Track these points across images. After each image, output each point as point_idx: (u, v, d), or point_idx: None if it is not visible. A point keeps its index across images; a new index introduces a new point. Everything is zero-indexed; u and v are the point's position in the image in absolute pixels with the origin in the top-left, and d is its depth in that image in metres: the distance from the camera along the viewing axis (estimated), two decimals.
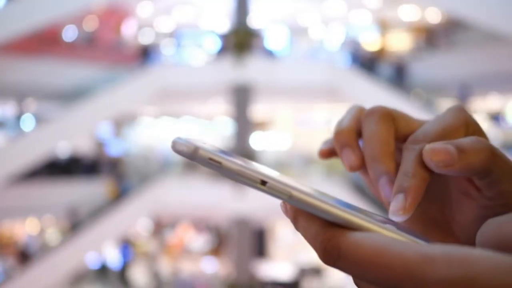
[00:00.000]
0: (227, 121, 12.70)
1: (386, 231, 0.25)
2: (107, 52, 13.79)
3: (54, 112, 10.77)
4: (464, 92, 10.21)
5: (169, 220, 14.24)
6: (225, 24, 13.20)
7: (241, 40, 10.34)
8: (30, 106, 12.44)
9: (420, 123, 0.36)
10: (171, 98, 11.57)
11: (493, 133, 10.15)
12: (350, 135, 0.36)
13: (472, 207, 0.31)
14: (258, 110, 11.92)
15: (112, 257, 12.59)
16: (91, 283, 12.28)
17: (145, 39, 16.21)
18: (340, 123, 0.38)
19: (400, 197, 0.29)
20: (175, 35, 16.13)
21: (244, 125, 10.35)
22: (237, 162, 0.25)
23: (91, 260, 11.81)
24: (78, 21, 13.62)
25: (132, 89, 10.54)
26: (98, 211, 10.42)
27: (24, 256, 10.40)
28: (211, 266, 12.74)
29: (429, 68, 10.94)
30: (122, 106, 10.77)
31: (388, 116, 0.34)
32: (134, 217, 11.04)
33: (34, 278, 9.22)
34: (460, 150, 0.28)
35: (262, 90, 10.34)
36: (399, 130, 0.35)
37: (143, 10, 14.72)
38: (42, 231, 12.49)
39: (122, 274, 12.34)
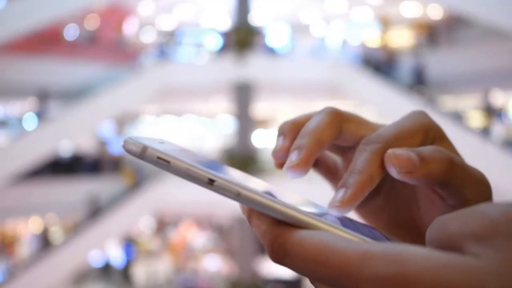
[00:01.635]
0: (229, 119, 12.71)
1: (333, 229, 0.25)
2: (108, 51, 13.80)
3: (56, 111, 10.77)
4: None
5: (172, 218, 14.27)
6: (226, 22, 13.20)
7: (242, 38, 10.34)
8: (33, 105, 12.46)
9: (374, 127, 0.35)
10: (172, 97, 11.58)
11: (495, 130, 10.12)
12: (290, 127, 0.35)
13: (437, 214, 0.30)
14: (259, 108, 11.92)
15: (115, 255, 12.63)
16: (94, 281, 12.32)
17: (147, 38, 16.21)
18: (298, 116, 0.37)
19: (341, 190, 0.29)
20: (176, 33, 16.13)
21: (246, 123, 10.35)
22: (185, 161, 0.25)
23: (94, 259, 11.84)
24: (79, 20, 13.63)
25: (134, 88, 10.55)
26: (101, 210, 10.44)
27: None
28: (214, 264, 12.77)
29: (430, 65, 10.92)
30: (124, 104, 10.78)
31: (336, 116, 0.33)
32: (137, 215, 11.06)
33: (37, 277, 9.25)
34: (421, 158, 0.28)
35: (263, 87, 10.34)
36: (347, 132, 0.34)
37: (144, 9, 14.72)
38: (45, 230, 12.53)
39: (125, 272, 12.37)
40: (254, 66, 10.14)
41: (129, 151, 0.26)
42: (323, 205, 0.31)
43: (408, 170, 0.28)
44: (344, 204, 0.28)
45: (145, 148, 0.25)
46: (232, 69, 10.15)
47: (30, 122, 11.49)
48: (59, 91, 11.32)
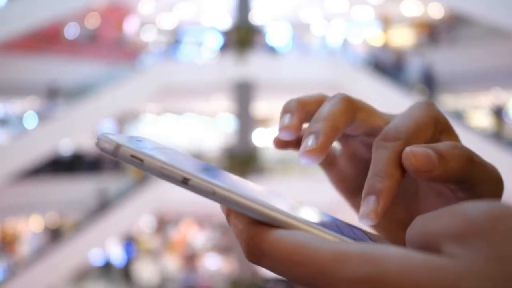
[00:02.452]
0: (229, 118, 12.70)
1: (311, 229, 0.24)
2: (109, 49, 13.80)
3: (57, 109, 10.78)
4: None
5: (173, 217, 14.28)
6: (226, 21, 13.19)
7: (243, 37, 10.33)
8: (33, 104, 12.47)
9: (385, 117, 0.35)
10: (173, 95, 11.58)
11: (497, 129, 10.13)
12: (298, 104, 0.33)
13: (445, 206, 0.29)
14: (260, 106, 11.92)
15: (116, 254, 12.64)
16: (94, 280, 12.33)
17: (147, 36, 16.21)
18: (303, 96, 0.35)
19: (372, 199, 0.27)
20: (177, 32, 16.13)
21: (246, 121, 10.35)
22: (159, 159, 0.25)
23: (95, 257, 11.85)
24: (80, 18, 13.63)
25: (134, 86, 10.55)
26: (101, 208, 10.45)
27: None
28: (214, 263, 12.78)
29: (431, 64, 10.91)
30: (124, 103, 10.78)
31: (351, 104, 0.32)
32: (137, 214, 11.07)
33: (38, 275, 9.26)
34: (440, 156, 0.27)
35: (264, 86, 10.34)
36: (359, 120, 0.33)
37: (145, 7, 14.72)
38: (45, 228, 12.54)
39: (125, 271, 12.38)
40: (254, 65, 10.14)
41: (102, 149, 0.25)
42: (321, 210, 0.30)
43: (427, 169, 0.27)
44: (379, 215, 0.27)
45: (118, 146, 0.25)
46: (232, 68, 10.15)
47: (30, 120, 11.50)
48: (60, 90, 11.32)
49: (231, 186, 0.25)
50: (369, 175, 0.28)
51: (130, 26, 15.55)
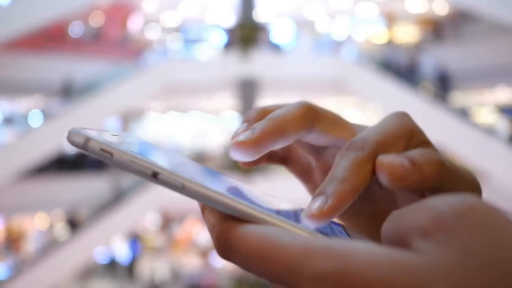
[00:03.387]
0: (233, 115, 12.71)
1: (282, 224, 0.24)
2: (113, 48, 13.82)
3: (61, 108, 10.81)
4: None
5: (177, 215, 14.30)
6: (230, 18, 13.18)
7: (247, 34, 10.32)
8: (38, 102, 12.51)
9: (354, 128, 0.33)
10: (177, 93, 11.59)
11: (501, 126, 10.07)
12: (257, 114, 0.32)
13: None
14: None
15: (121, 251, 12.68)
16: (100, 277, 12.38)
17: (151, 34, 16.23)
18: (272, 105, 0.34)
19: (319, 199, 0.26)
20: (181, 30, 16.13)
21: None
22: (129, 153, 0.24)
23: (100, 255, 11.89)
24: (84, 17, 13.65)
25: (138, 84, 10.56)
26: (107, 206, 10.48)
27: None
28: (219, 261, 12.80)
29: (436, 61, 10.87)
30: (129, 101, 10.80)
31: (309, 111, 0.31)
32: (142, 212, 11.10)
33: (43, 273, 9.31)
34: (413, 163, 0.26)
35: (268, 84, 10.33)
36: (319, 130, 0.31)
37: (149, 5, 14.72)
38: (51, 226, 12.60)
39: (130, 269, 12.42)
40: (258, 63, 10.13)
41: (72, 143, 0.25)
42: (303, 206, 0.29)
43: (402, 176, 0.26)
44: (322, 215, 0.25)
45: (87, 139, 0.24)
46: (236, 66, 10.15)
47: (35, 119, 11.54)
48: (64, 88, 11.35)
49: (201, 180, 0.25)
50: (325, 179, 0.27)
51: (134, 24, 15.56)
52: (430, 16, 14.19)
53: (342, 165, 0.27)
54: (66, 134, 0.25)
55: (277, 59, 10.67)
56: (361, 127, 0.33)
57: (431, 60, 10.90)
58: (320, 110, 0.32)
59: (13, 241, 12.12)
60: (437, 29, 13.86)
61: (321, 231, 0.25)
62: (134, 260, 12.59)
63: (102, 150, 0.24)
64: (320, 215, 0.25)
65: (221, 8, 14.58)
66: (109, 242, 11.32)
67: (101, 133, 0.26)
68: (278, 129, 0.29)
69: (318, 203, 0.26)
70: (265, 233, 0.22)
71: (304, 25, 15.29)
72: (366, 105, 13.13)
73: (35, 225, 12.57)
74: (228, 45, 11.40)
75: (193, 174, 0.26)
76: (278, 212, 0.25)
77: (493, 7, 8.52)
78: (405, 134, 0.30)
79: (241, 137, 0.28)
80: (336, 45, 13.04)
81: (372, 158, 0.27)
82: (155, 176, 0.24)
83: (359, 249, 0.20)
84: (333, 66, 10.36)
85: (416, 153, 0.27)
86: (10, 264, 10.36)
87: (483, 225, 0.19)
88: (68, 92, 11.18)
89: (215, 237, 0.24)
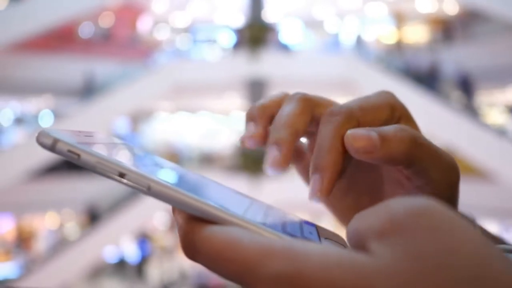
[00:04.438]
0: (242, 115, 12.69)
1: (247, 224, 0.24)
2: (123, 48, 13.89)
3: (71, 108, 10.88)
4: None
5: None
6: (239, 19, 13.20)
7: (255, 34, 10.33)
8: (48, 102, 12.60)
9: None
10: (186, 93, 11.61)
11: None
12: (259, 111, 0.33)
13: (404, 196, 0.29)
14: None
15: (130, 251, 12.73)
16: (109, 277, 12.44)
17: (160, 35, 16.29)
18: (264, 100, 0.35)
19: (317, 177, 0.28)
20: (190, 30, 16.17)
21: None
22: (96, 154, 0.24)
23: (109, 254, 11.95)
24: (94, 18, 13.73)
25: (148, 85, 10.61)
26: (117, 205, 10.53)
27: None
28: None
29: (446, 61, 10.79)
30: (138, 101, 10.85)
31: (308, 102, 0.32)
32: (151, 211, 11.14)
33: (53, 272, 9.37)
34: (383, 138, 0.27)
35: (277, 84, 10.32)
36: (317, 116, 0.33)
37: (158, 6, 14.78)
38: (61, 225, 12.68)
39: (139, 268, 12.47)
40: (267, 63, 10.13)
41: (41, 144, 0.25)
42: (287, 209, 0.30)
43: (367, 151, 0.27)
44: (324, 191, 0.28)
45: (55, 141, 0.24)
46: (245, 66, 10.15)
47: (46, 119, 11.62)
48: (74, 88, 11.43)
49: (168, 181, 0.25)
50: (313, 153, 0.29)
51: (143, 25, 15.63)
52: (440, 15, 14.09)
53: (324, 132, 0.29)
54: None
55: (286, 59, 10.66)
56: None
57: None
58: (315, 98, 0.33)
59: (23, 240, 12.21)
60: (447, 29, 13.76)
61: (289, 232, 0.25)
62: (143, 259, 12.64)
63: (69, 151, 0.24)
64: (322, 192, 0.28)
65: (230, 9, 14.60)
66: (118, 241, 11.38)
67: (73, 134, 0.27)
68: (296, 133, 0.30)
69: (316, 181, 0.28)
70: (227, 234, 0.22)
71: (313, 25, 15.26)
72: None
73: (46, 224, 12.66)
74: (237, 45, 11.41)
75: (169, 177, 0.26)
76: (244, 214, 0.25)
77: (504, 6, 8.44)
78: (388, 107, 0.31)
79: (274, 156, 0.29)
80: (345, 45, 13.00)
81: (352, 121, 0.29)
82: (121, 177, 0.24)
83: (314, 251, 0.20)
84: (342, 66, 10.34)
85: (390, 128, 0.28)
86: (21, 263, 10.45)
87: (435, 228, 0.19)
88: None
89: (181, 238, 0.25)
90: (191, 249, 0.24)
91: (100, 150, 0.25)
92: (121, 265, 12.71)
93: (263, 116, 0.33)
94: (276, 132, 0.30)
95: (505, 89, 11.59)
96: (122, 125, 14.48)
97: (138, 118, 15.11)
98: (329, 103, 0.34)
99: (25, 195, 10.40)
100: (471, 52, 10.84)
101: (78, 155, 0.24)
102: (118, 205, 10.53)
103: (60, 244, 10.68)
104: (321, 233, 0.28)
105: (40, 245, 11.74)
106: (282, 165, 0.29)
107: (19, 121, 12.38)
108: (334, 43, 13.62)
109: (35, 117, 12.18)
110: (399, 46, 14.31)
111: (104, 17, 14.41)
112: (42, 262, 9.78)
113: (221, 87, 11.11)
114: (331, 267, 0.19)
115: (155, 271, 12.46)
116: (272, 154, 0.29)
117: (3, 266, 10.48)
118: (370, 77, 10.04)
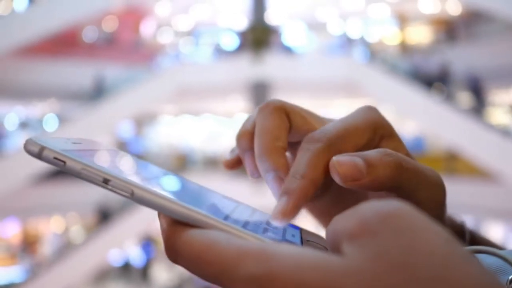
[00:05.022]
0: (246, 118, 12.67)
1: (227, 228, 0.25)
2: (126, 52, 13.93)
3: (76, 112, 10.92)
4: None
5: None
6: (242, 21, 13.22)
7: (259, 37, 10.33)
8: (53, 107, 12.64)
9: (322, 121, 0.34)
10: (190, 96, 11.63)
11: None
12: (252, 138, 0.33)
13: None
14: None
15: (135, 254, 12.74)
16: (114, 280, 12.45)
17: (164, 38, 16.33)
18: (243, 125, 0.35)
19: (283, 199, 0.28)
20: (193, 33, 16.21)
21: None
22: (81, 161, 0.25)
23: (114, 258, 11.97)
24: (97, 22, 13.79)
25: (151, 88, 10.63)
26: (121, 208, 10.54)
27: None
28: None
29: (449, 61, 10.76)
30: (142, 105, 10.88)
31: (281, 110, 0.32)
32: (155, 214, 11.11)
33: (58, 276, 9.39)
34: (368, 164, 0.27)
35: (280, 86, 10.32)
36: (294, 126, 0.33)
37: (161, 10, 14.82)
38: (66, 229, 12.71)
39: (144, 272, 12.48)
40: (270, 65, 10.13)
41: (28, 152, 0.26)
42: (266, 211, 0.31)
43: (354, 178, 0.27)
44: (287, 214, 0.27)
45: (42, 148, 0.25)
46: (248, 68, 10.16)
47: (50, 123, 11.66)
48: (78, 92, 11.46)
49: (151, 186, 0.26)
50: (288, 175, 0.29)
51: (147, 29, 15.67)
52: (443, 16, 14.07)
53: (301, 159, 0.29)
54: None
55: (289, 61, 10.66)
56: (329, 121, 0.34)
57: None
58: (289, 106, 0.33)
59: (29, 244, 12.25)
60: (450, 29, 13.73)
61: (269, 235, 0.25)
62: (148, 263, 12.64)
63: (55, 158, 0.25)
64: (285, 215, 0.27)
65: (233, 11, 14.62)
66: (123, 245, 11.39)
67: (61, 141, 0.27)
68: (279, 149, 0.31)
69: (281, 204, 0.27)
70: (206, 237, 0.23)
71: (316, 27, 15.26)
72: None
73: (51, 228, 12.69)
74: (240, 48, 11.42)
75: (154, 183, 0.27)
76: (227, 218, 0.26)
77: (506, 6, 8.42)
78: (370, 127, 0.31)
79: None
80: (349, 47, 12.99)
81: (331, 149, 0.29)
82: (106, 183, 0.25)
83: (286, 252, 0.21)
84: (345, 67, 10.32)
85: (373, 153, 0.28)
86: (26, 267, 10.47)
87: (399, 230, 0.20)
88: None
89: (164, 242, 0.25)
90: (173, 252, 0.24)
91: (86, 157, 0.26)
92: (126, 268, 12.72)
93: (239, 147, 0.35)
94: (261, 161, 0.31)
95: (509, 89, 11.55)
96: (126, 128, 14.51)
97: (142, 122, 15.15)
98: (305, 113, 0.34)
99: (30, 199, 10.43)
100: (475, 52, 10.81)
101: (64, 162, 0.25)
102: (123, 208, 10.54)
103: (65, 248, 10.70)
104: (305, 236, 0.28)
105: (46, 249, 11.76)
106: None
107: (24, 125, 12.42)
108: (338, 45, 13.61)
109: (40, 121, 12.21)
110: (402, 47, 14.29)
111: (108, 21, 14.47)
112: (47, 265, 9.80)
113: (225, 89, 11.12)
114: (302, 269, 0.20)
115: (159, 274, 12.46)
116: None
117: (9, 270, 10.51)
118: (374, 78, 10.03)
